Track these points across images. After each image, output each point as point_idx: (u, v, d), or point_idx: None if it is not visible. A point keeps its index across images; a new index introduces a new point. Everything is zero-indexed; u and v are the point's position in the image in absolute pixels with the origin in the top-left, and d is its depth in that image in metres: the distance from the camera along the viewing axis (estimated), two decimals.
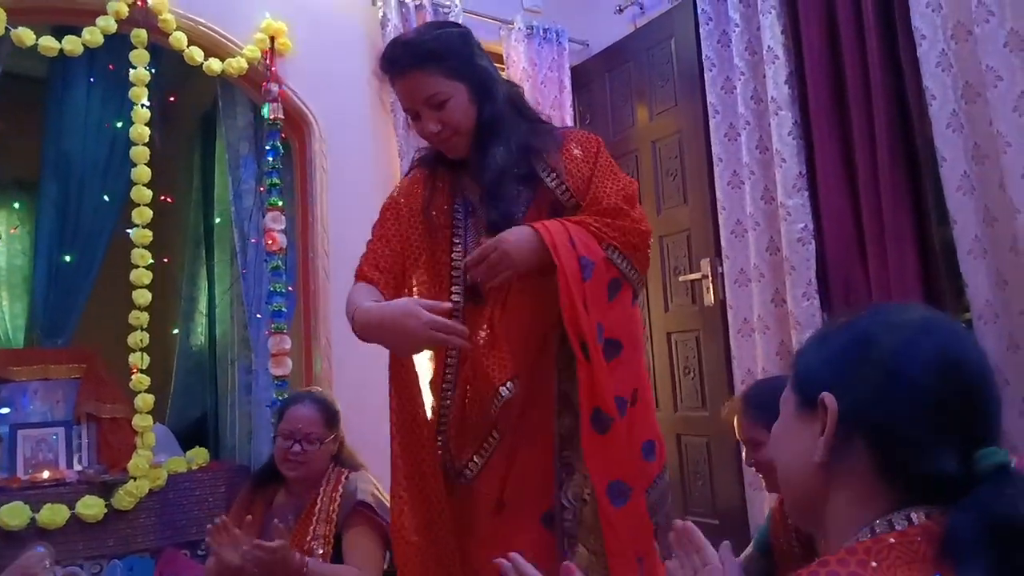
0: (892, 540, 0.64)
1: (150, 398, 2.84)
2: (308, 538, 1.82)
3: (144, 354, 2.85)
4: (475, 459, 1.48)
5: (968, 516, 0.63)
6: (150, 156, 2.96)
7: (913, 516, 0.66)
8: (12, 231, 4.54)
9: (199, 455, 3.13)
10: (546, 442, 1.50)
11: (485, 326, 1.47)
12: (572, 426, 1.48)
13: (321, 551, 1.80)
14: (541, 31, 3.67)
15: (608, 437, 1.38)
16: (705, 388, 3.09)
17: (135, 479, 2.75)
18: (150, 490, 2.81)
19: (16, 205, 4.61)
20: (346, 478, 1.93)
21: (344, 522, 1.86)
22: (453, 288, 1.52)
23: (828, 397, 0.71)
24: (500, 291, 1.47)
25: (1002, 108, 2.13)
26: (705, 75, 3.07)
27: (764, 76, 2.83)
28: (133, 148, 2.93)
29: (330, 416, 1.98)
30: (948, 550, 0.63)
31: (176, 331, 4.27)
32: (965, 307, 2.25)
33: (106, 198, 3.31)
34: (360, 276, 1.50)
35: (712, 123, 3.04)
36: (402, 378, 1.47)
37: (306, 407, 1.97)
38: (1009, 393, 2.13)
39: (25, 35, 2.72)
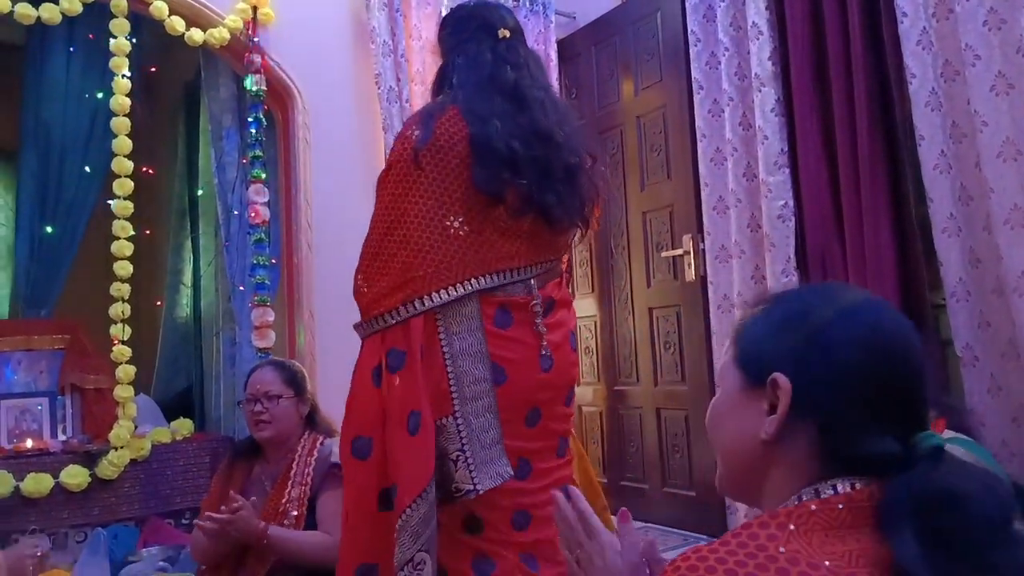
0: (814, 507, 0.67)
1: (131, 369, 2.85)
2: (283, 500, 1.86)
3: (126, 326, 2.85)
4: None
5: (907, 488, 0.66)
6: (132, 127, 2.94)
7: (839, 486, 0.68)
8: None
9: (183, 426, 3.15)
10: None
11: None
12: None
13: (295, 513, 1.85)
14: (528, 3, 3.63)
15: None
16: (685, 363, 3.12)
17: (117, 449, 2.77)
18: (134, 460, 2.83)
19: None
20: (321, 443, 1.97)
21: (319, 486, 1.91)
22: None
23: (782, 378, 0.71)
24: None
25: (979, 87, 2.14)
26: (690, 50, 3.06)
27: (748, 52, 2.82)
28: (114, 119, 2.91)
29: (288, 376, 2.03)
30: (884, 518, 0.66)
31: (160, 303, 4.27)
32: (940, 285, 2.28)
33: (87, 169, 3.29)
34: None
35: (696, 99, 3.03)
36: None
37: (263, 371, 2.06)
38: (979, 370, 2.16)
39: (1, 2, 2.68)
